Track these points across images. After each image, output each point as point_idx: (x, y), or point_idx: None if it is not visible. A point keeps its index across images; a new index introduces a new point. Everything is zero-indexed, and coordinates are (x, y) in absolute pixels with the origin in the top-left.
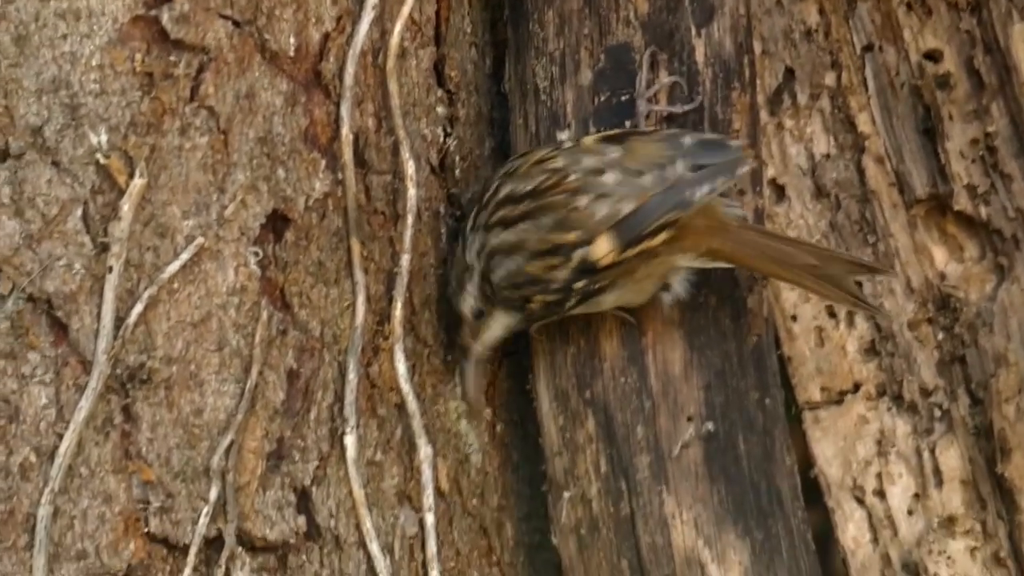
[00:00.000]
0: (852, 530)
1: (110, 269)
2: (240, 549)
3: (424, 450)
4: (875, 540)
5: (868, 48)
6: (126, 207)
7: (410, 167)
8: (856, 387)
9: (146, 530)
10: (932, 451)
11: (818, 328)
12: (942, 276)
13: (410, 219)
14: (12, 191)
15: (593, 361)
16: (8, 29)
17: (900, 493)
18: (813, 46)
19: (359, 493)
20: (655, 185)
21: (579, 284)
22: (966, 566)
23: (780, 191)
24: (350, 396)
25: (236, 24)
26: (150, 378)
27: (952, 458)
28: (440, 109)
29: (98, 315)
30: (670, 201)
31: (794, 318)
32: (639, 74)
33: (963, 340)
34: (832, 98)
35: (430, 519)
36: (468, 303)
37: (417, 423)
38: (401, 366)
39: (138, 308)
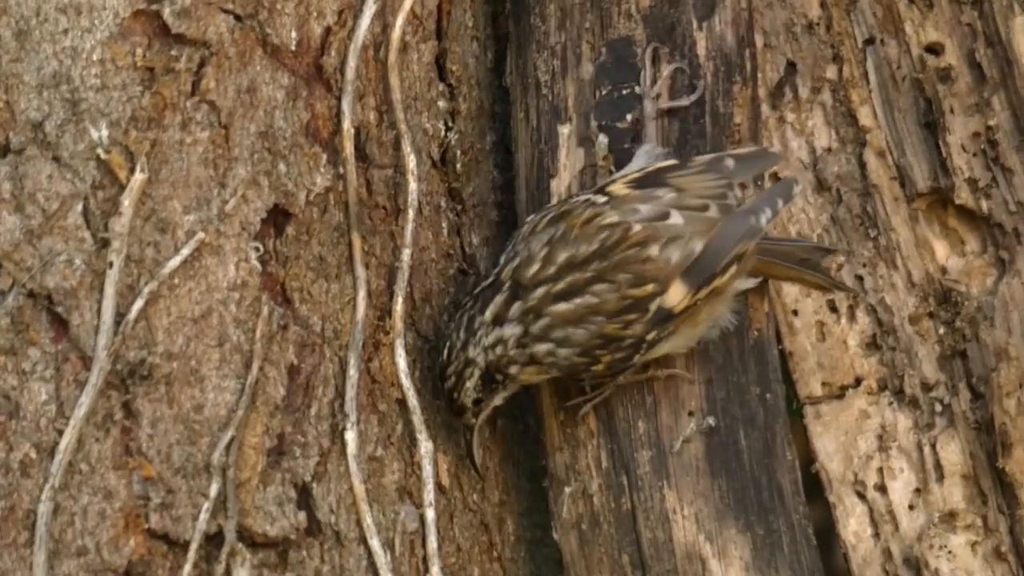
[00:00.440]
0: (853, 525)
1: (111, 264)
2: (241, 545)
3: (425, 445)
4: (876, 535)
5: (869, 41)
6: (127, 202)
7: (411, 161)
8: (857, 382)
9: (146, 526)
10: (933, 446)
11: (819, 323)
12: (943, 270)
13: (411, 213)
14: (12, 186)
15: None
16: (9, 24)
17: (901, 488)
18: (814, 39)
19: (360, 489)
20: (721, 218)
21: (651, 335)
22: (967, 560)
23: None
24: (351, 392)
25: (237, 18)
26: (150, 374)
27: (953, 453)
28: (441, 103)
29: (98, 311)
30: (738, 233)
31: (795, 312)
32: (643, 72)
33: (964, 334)
34: (833, 91)
35: (431, 515)
36: (470, 397)
37: (418, 418)
38: (402, 361)
39: (138, 304)
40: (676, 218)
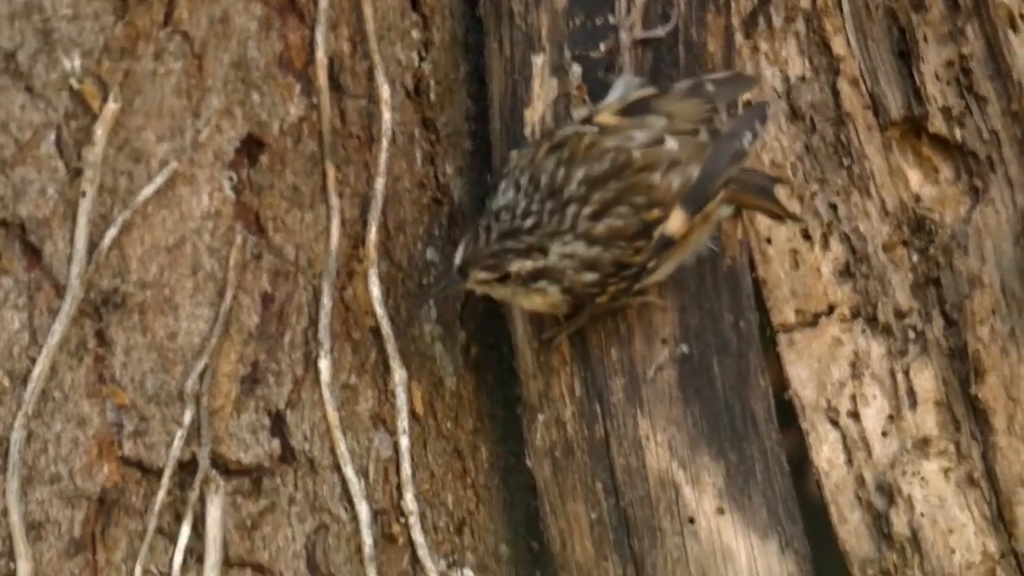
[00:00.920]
0: (826, 452)
1: (84, 194)
2: (214, 472)
3: (398, 373)
4: (849, 461)
5: None
6: (100, 132)
7: (385, 91)
8: (830, 309)
9: (120, 454)
10: (906, 373)
11: (792, 251)
12: (917, 198)
13: (385, 143)
14: None
15: None
16: None
17: (874, 415)
18: None
19: (333, 416)
20: (711, 142)
21: (652, 263)
22: (939, 487)
23: None
24: (324, 320)
25: None
26: (124, 302)
27: (926, 380)
28: (415, 33)
29: (72, 240)
30: (726, 156)
31: (768, 240)
32: (617, 1)
33: (938, 262)
34: (807, 20)
35: (404, 442)
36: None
37: (392, 346)
38: (376, 289)
39: (112, 233)
40: (671, 143)
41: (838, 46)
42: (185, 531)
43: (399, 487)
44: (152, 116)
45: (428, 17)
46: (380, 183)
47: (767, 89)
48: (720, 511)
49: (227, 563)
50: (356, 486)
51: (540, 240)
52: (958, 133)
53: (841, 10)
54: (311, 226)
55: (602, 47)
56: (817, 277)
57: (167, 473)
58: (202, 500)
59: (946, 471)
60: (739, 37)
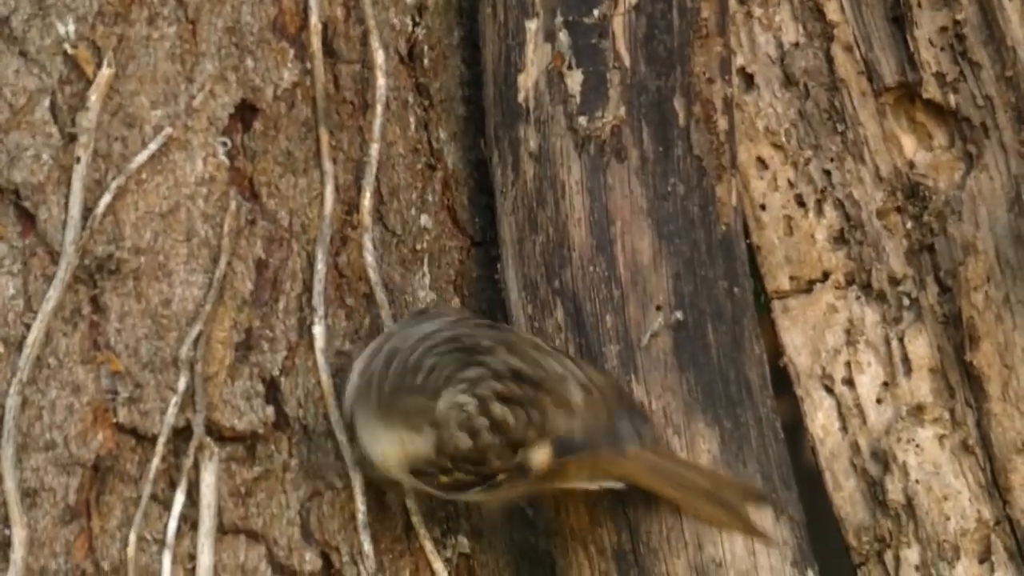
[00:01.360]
0: (821, 419)
1: (78, 159)
2: (208, 439)
3: None
4: (844, 428)
5: None
6: (94, 97)
7: (379, 56)
8: (825, 276)
9: (115, 420)
10: (901, 340)
11: (787, 217)
12: (911, 164)
13: (379, 108)
14: None
15: (562, 250)
16: None
17: (869, 382)
18: None
19: (327, 383)
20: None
21: (500, 478)
22: (934, 454)
23: (749, 80)
24: (318, 286)
25: None
26: (118, 268)
27: (921, 346)
28: None
29: (66, 205)
30: (608, 445)
31: (763, 207)
32: None
33: (932, 228)
34: None
35: None
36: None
37: (385, 313)
38: (369, 256)
39: (106, 198)
40: (574, 392)
41: (832, 12)
42: (180, 498)
43: None
44: (146, 81)
45: None
46: (375, 148)
47: (760, 56)
48: None
49: (221, 530)
50: (350, 453)
51: None
52: (952, 99)
53: None
54: (305, 192)
55: (596, 12)
56: (811, 244)
57: (161, 440)
58: (196, 467)
59: (941, 438)
60: (733, 3)
